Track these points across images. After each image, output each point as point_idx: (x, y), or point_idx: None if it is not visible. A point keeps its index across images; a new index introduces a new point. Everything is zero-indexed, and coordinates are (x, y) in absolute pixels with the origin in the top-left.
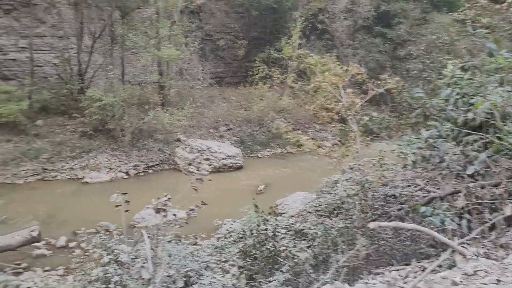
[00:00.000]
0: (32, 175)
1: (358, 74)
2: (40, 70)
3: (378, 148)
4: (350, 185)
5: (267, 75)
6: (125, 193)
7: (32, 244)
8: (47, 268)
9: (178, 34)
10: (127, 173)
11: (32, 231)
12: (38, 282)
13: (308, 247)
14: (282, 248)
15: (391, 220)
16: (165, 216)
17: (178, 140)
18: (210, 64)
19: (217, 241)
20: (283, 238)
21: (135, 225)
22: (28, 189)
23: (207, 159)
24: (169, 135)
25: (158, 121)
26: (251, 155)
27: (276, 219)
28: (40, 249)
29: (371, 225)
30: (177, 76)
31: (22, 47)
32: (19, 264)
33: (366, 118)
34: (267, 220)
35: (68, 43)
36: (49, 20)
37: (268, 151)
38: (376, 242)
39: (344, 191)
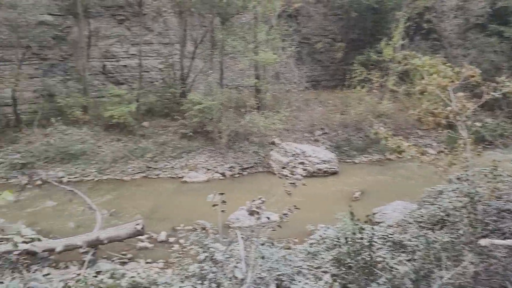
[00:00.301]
0: (138, 173)
1: (472, 76)
2: (147, 75)
3: (491, 157)
4: (457, 196)
5: (365, 78)
6: (222, 193)
7: (137, 237)
8: (149, 260)
9: (275, 38)
10: (223, 174)
11: (137, 224)
12: (141, 272)
13: (407, 260)
14: (378, 259)
15: (506, 238)
16: (258, 218)
17: (273, 143)
18: (307, 67)
19: (310, 247)
20: (380, 248)
21: (230, 225)
22: (133, 185)
23: (301, 163)
24: (264, 138)
25: (254, 124)
26: (347, 161)
27: (372, 228)
28: (143, 242)
29: (483, 242)
30: (274, 80)
31: (132, 54)
32: (125, 255)
33: (478, 124)
34: (363, 229)
35: (172, 49)
36: (156, 28)
37: (365, 157)
38: (486, 260)
39: (450, 202)
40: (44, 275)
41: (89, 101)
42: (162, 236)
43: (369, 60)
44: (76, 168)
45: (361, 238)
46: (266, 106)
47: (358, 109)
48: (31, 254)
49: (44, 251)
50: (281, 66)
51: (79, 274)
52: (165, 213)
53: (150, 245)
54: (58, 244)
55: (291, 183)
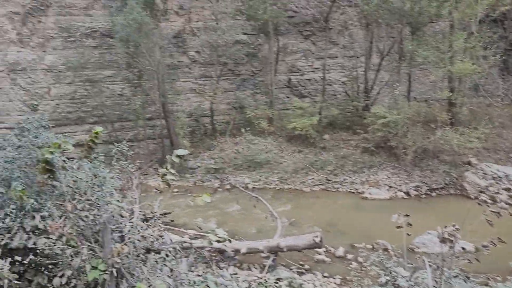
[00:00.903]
0: (317, 185)
1: None
2: (329, 88)
3: None
4: None
5: None
6: (407, 215)
7: (314, 249)
8: (326, 274)
9: (475, 46)
10: (407, 193)
11: (315, 236)
12: (317, 285)
13: None
14: None
15: None
16: (451, 247)
17: (469, 163)
18: None
19: None
20: None
21: (414, 249)
22: (312, 197)
23: (507, 189)
24: (457, 157)
25: (446, 141)
26: None
27: None
28: (320, 254)
29: None
30: (471, 93)
31: (316, 68)
32: (302, 265)
33: None
34: None
35: (356, 62)
36: (341, 42)
37: None
38: None
39: None
40: (231, 274)
41: (275, 113)
42: (340, 251)
43: None
44: (260, 176)
45: None
46: (461, 122)
47: None
48: (220, 252)
49: (232, 251)
50: (481, 77)
51: (260, 278)
52: (343, 228)
53: (327, 259)
54: (243, 246)
55: (493, 211)
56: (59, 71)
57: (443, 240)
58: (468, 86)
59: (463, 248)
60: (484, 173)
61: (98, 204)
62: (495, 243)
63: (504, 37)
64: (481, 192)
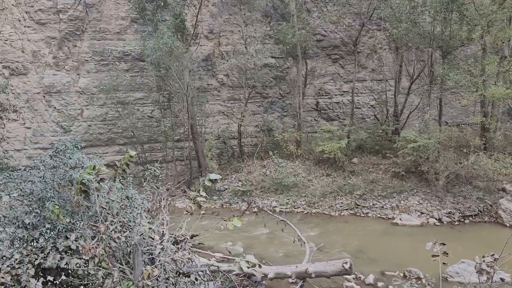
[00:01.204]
0: (346, 209)
1: None
2: (358, 112)
3: None
4: None
5: None
6: (443, 244)
7: (343, 276)
8: None
9: (508, 70)
10: (439, 219)
11: (345, 263)
12: None
13: None
14: None
15: None
16: (489, 278)
17: (503, 190)
18: None
19: None
20: None
21: (448, 278)
22: (341, 221)
23: None
24: (491, 183)
25: (479, 167)
26: None
27: None
28: (350, 282)
29: None
30: (505, 117)
31: (344, 91)
32: None
33: None
34: None
35: (385, 85)
36: (370, 65)
37: None
38: None
39: None
40: None
41: (302, 136)
42: (370, 279)
43: None
44: (288, 199)
45: None
46: (495, 147)
47: None
48: (248, 277)
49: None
50: None
51: None
52: (373, 254)
53: (357, 287)
54: (270, 271)
55: None
56: (92, 94)
57: (480, 271)
58: (502, 110)
59: (502, 279)
60: None
61: (130, 225)
62: None
63: None
64: None
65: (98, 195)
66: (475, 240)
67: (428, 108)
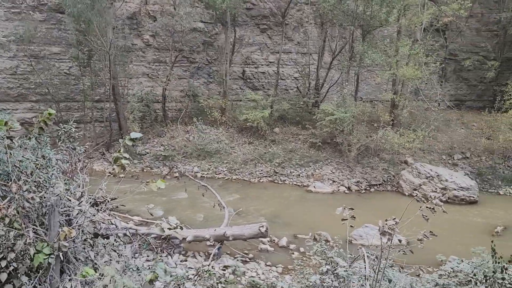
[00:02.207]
0: (265, 176)
1: None
2: (282, 83)
3: None
4: None
5: None
6: (352, 209)
7: (259, 238)
8: (268, 263)
9: (418, 53)
10: (349, 188)
11: (261, 226)
12: (260, 274)
13: None
14: None
15: None
16: (390, 240)
17: (405, 162)
18: (451, 85)
19: (439, 278)
20: None
21: (352, 241)
22: (260, 188)
23: (443, 189)
24: (396, 156)
25: (387, 141)
26: (490, 191)
27: None
28: (264, 244)
29: None
30: (412, 96)
31: (270, 62)
32: (247, 254)
33: None
34: (506, 269)
35: (309, 59)
36: (296, 38)
37: None
38: None
39: None
40: (180, 261)
41: (227, 103)
42: (283, 241)
43: None
44: (210, 165)
45: (503, 279)
46: (402, 123)
47: (509, 135)
48: (167, 240)
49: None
50: (422, 83)
51: (206, 265)
52: (288, 219)
53: (270, 249)
54: (189, 234)
55: (429, 207)
56: (0, 43)
57: (383, 233)
58: (410, 90)
59: (399, 241)
60: (419, 172)
61: (45, 186)
62: (428, 237)
63: (445, 46)
64: (414, 189)
65: (11, 153)
66: (378, 207)
67: (346, 83)
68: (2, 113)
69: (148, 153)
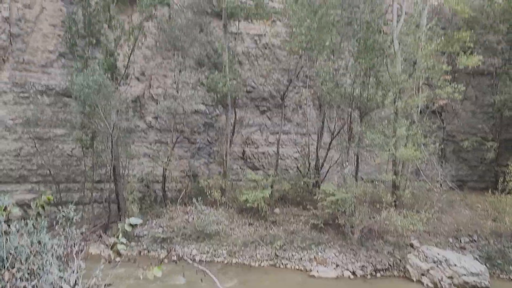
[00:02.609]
0: (266, 260)
1: None
2: (282, 163)
3: None
4: None
5: None
6: None
7: None
8: None
9: (416, 134)
10: (353, 272)
11: None
12: None
13: None
14: None
15: None
16: None
17: (411, 245)
18: (451, 166)
19: None
20: None
21: None
22: (261, 272)
23: (450, 278)
24: (400, 239)
25: (390, 222)
26: (501, 276)
27: None
28: None
29: None
30: (413, 177)
31: (270, 142)
32: None
33: None
34: None
35: (309, 139)
36: (295, 119)
37: None
38: None
39: None
40: None
41: (227, 184)
42: None
43: None
44: (209, 247)
45: None
46: (404, 204)
47: None
48: None
49: None
50: (422, 163)
51: None
52: None
53: None
54: None
55: None
56: (6, 126)
57: None
58: (411, 170)
59: None
60: (426, 256)
61: (39, 273)
62: None
63: (442, 127)
64: (422, 274)
65: (7, 239)
66: None
67: (347, 163)
68: (2, 197)
69: (146, 235)
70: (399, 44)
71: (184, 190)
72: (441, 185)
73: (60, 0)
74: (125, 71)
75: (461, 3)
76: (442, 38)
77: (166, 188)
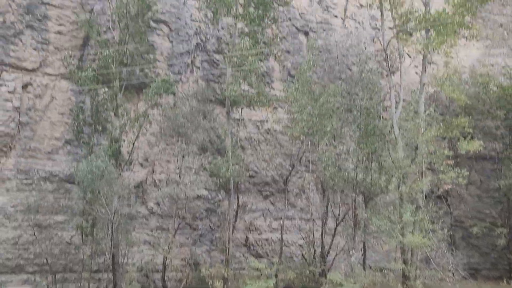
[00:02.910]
0: None
1: None
2: (287, 250)
3: None
4: None
5: None
6: None
7: None
8: None
9: (423, 219)
10: None
11: None
12: None
13: None
14: None
15: None
16: None
17: None
18: (462, 253)
19: None
20: None
21: None
22: None
23: None
24: None
25: None
26: None
27: None
28: None
29: None
30: (423, 265)
31: (274, 228)
32: None
33: None
34: None
35: (313, 225)
36: (298, 204)
37: None
38: None
39: None
40: None
41: (230, 273)
42: None
43: None
44: None
45: None
46: None
47: None
48: None
49: None
50: (431, 250)
51: None
52: None
53: None
54: None
55: None
56: (6, 214)
57: None
58: (420, 258)
59: None
60: None
61: None
62: None
63: (449, 213)
64: None
65: None
66: None
67: (353, 251)
68: None
69: None
70: (399, 129)
71: (185, 280)
72: (453, 274)
73: (70, 90)
74: (129, 157)
75: (457, 91)
76: (441, 124)
77: (166, 278)
